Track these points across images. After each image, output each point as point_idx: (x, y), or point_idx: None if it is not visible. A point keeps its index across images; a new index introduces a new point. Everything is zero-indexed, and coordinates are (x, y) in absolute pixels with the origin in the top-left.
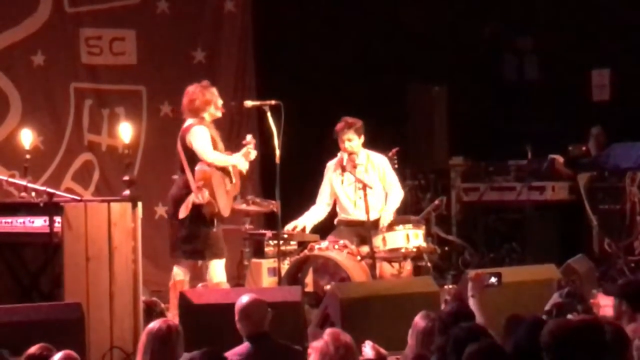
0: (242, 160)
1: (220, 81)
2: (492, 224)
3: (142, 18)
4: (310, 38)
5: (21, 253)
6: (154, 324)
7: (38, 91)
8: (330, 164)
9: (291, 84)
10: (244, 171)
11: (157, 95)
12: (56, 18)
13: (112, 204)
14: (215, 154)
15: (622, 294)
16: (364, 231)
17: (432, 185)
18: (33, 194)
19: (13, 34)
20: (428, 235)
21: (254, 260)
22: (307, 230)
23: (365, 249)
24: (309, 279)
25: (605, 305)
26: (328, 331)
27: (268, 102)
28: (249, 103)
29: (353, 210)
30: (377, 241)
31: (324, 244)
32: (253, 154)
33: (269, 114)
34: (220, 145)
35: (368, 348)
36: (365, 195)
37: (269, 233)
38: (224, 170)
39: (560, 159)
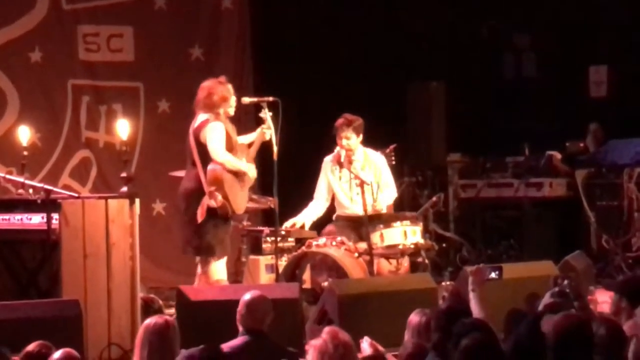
0: (252, 168)
1: None
2: (489, 220)
3: (140, 15)
4: (309, 35)
5: (19, 250)
6: (152, 320)
7: (35, 88)
8: (327, 159)
9: (289, 81)
10: (253, 178)
11: (154, 92)
12: (53, 15)
13: (110, 201)
14: (227, 155)
15: (622, 290)
16: (360, 227)
17: (430, 182)
18: (30, 190)
19: (10, 30)
20: (426, 231)
21: (252, 256)
22: (306, 227)
23: (362, 246)
24: (306, 276)
25: (603, 301)
26: (327, 330)
27: (266, 98)
28: (246, 100)
29: (350, 206)
30: (375, 238)
31: (322, 240)
32: (268, 133)
33: (266, 111)
34: (235, 139)
35: (366, 344)
36: (362, 191)
37: (266, 230)
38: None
39: (557, 155)
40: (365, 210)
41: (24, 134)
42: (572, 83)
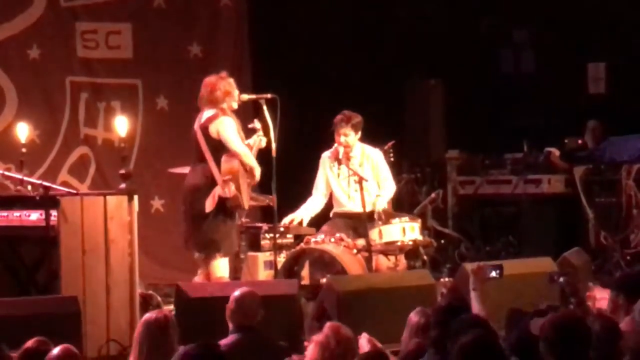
0: (259, 169)
1: None
2: (488, 217)
3: (138, 12)
4: (307, 32)
5: (17, 247)
6: (151, 314)
7: (34, 85)
8: (325, 155)
9: (287, 78)
10: (257, 179)
11: (153, 88)
12: (52, 12)
13: (108, 198)
14: (244, 147)
15: (619, 286)
16: (359, 224)
17: (429, 179)
18: (29, 187)
19: (8, 27)
20: (424, 228)
21: (250, 253)
22: (305, 223)
23: (361, 242)
24: (305, 272)
25: (601, 298)
26: (329, 325)
27: (264, 95)
28: (244, 96)
29: (347, 203)
30: (373, 234)
31: (320, 237)
32: (264, 141)
33: (265, 108)
34: (242, 134)
35: (364, 341)
36: (361, 188)
37: (265, 226)
38: (244, 163)
39: (556, 152)
40: (364, 206)
41: (23, 131)
42: (570, 80)
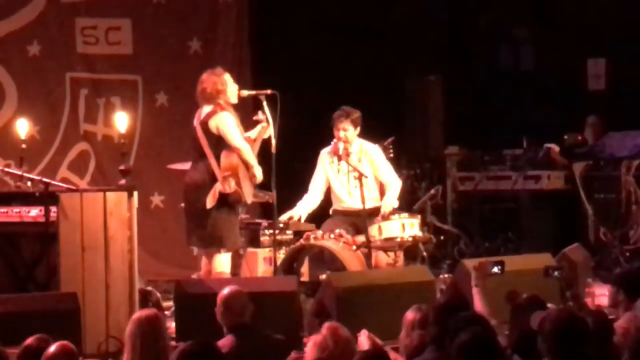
0: (259, 169)
1: None
2: (487, 213)
3: (138, 7)
4: (307, 28)
5: (17, 243)
6: (141, 312)
7: (34, 81)
8: (324, 152)
9: (287, 74)
10: (259, 179)
11: (153, 84)
12: (52, 8)
13: (108, 194)
14: (244, 142)
15: (619, 282)
16: (359, 220)
17: (428, 175)
18: (29, 183)
19: (8, 23)
20: (424, 224)
21: (250, 249)
22: (303, 220)
23: (360, 239)
24: (304, 269)
25: (601, 294)
26: (326, 325)
27: (264, 91)
28: (244, 92)
29: (348, 199)
30: (373, 230)
31: (320, 233)
32: (269, 131)
33: (264, 104)
34: (241, 129)
35: (363, 338)
36: (361, 184)
37: (264, 222)
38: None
39: (555, 148)
40: (363, 203)
41: (23, 127)
42: (570, 76)
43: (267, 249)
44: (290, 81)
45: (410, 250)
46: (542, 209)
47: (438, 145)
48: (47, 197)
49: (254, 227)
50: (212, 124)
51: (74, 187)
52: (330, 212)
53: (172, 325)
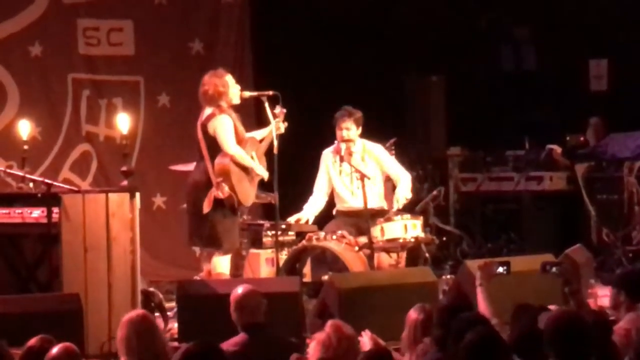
0: (261, 168)
1: None
2: (490, 214)
3: (140, 9)
4: (308, 29)
5: (19, 244)
6: (131, 315)
7: (36, 82)
8: (326, 153)
9: (289, 75)
10: (265, 177)
11: (154, 85)
12: (53, 9)
13: (110, 195)
14: (237, 148)
15: (620, 283)
16: (362, 221)
17: (430, 176)
18: (31, 184)
19: (10, 24)
20: (426, 225)
21: (252, 250)
22: (310, 222)
23: (363, 239)
24: (307, 270)
25: (603, 295)
26: (330, 323)
27: (266, 92)
28: (246, 94)
29: (350, 200)
30: (375, 231)
31: (322, 234)
32: (283, 127)
33: (267, 105)
34: (242, 129)
35: (366, 338)
36: (363, 185)
37: (267, 223)
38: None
39: (558, 149)
40: (365, 204)
41: (24, 128)
42: (572, 76)
43: (269, 250)
44: (292, 82)
45: (413, 251)
46: (544, 210)
47: (440, 146)
48: (49, 198)
49: (257, 228)
50: (210, 127)
51: (76, 188)
52: (334, 212)
53: (174, 326)
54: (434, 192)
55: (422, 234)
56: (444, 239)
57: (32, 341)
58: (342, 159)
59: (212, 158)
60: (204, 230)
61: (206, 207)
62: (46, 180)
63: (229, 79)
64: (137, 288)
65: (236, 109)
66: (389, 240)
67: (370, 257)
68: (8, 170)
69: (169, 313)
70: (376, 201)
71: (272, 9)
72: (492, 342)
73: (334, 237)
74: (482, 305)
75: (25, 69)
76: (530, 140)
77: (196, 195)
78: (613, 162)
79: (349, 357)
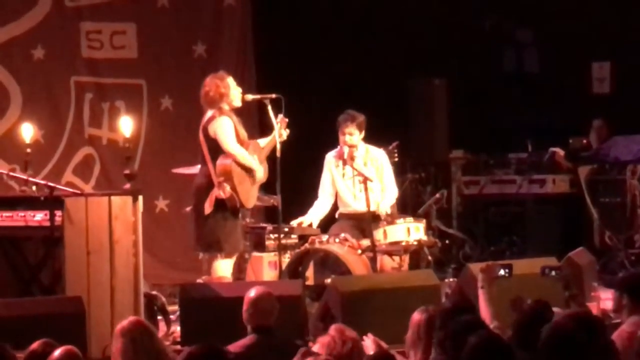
0: (260, 168)
1: None
2: (492, 217)
3: (143, 12)
4: (311, 32)
5: (22, 247)
6: (123, 323)
7: (38, 85)
8: (330, 155)
9: (292, 78)
10: (264, 178)
11: (157, 89)
12: (56, 12)
13: (113, 198)
14: (239, 148)
15: (623, 286)
16: (364, 224)
17: (433, 179)
18: (34, 187)
19: (13, 28)
20: (429, 228)
21: (255, 254)
22: (315, 226)
23: (365, 242)
24: (309, 273)
25: (606, 298)
26: (334, 326)
27: (269, 95)
28: (249, 97)
29: (353, 203)
30: (378, 234)
31: (325, 237)
32: (285, 134)
33: (269, 108)
34: (243, 132)
35: (369, 342)
36: (365, 188)
37: (269, 227)
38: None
39: (560, 151)
40: (368, 207)
41: (27, 131)
42: (575, 79)
43: (272, 253)
44: (294, 85)
45: (416, 254)
46: (547, 213)
47: (443, 149)
48: (52, 202)
49: (259, 231)
50: (211, 129)
51: (79, 192)
52: (336, 215)
53: (177, 329)
54: (437, 195)
55: (424, 237)
56: (447, 242)
57: (35, 345)
58: (344, 163)
59: (214, 160)
60: (204, 234)
61: (207, 208)
62: (49, 184)
63: (230, 81)
64: (139, 291)
65: (239, 112)
66: (391, 243)
67: (373, 260)
68: (11, 174)
69: (171, 316)
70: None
71: (275, 12)
72: (495, 344)
73: (337, 240)
74: (484, 308)
75: (28, 72)
76: (533, 143)
77: (198, 199)
78: (616, 165)
79: None
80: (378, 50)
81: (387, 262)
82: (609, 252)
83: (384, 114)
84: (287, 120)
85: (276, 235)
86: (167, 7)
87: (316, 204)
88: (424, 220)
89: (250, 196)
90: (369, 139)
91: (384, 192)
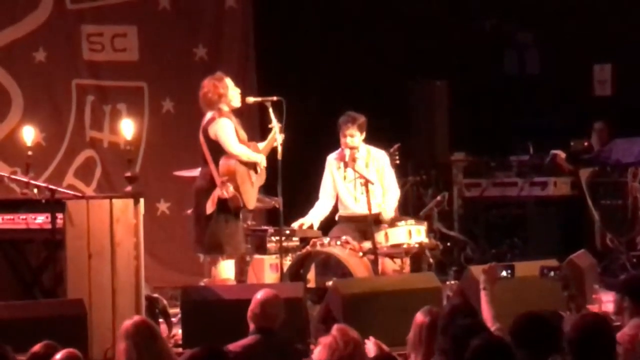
0: (263, 158)
1: None
2: (494, 219)
3: (144, 14)
4: (312, 34)
5: (23, 250)
6: (128, 323)
7: (40, 88)
8: (331, 157)
9: (292, 80)
10: (262, 180)
11: (158, 91)
12: (58, 14)
13: (114, 201)
14: (240, 147)
15: (624, 289)
16: (365, 226)
17: (434, 181)
18: (35, 190)
19: (15, 30)
20: (430, 231)
21: (256, 256)
22: (315, 228)
23: (367, 245)
24: (311, 275)
25: (607, 301)
26: (336, 327)
27: (270, 98)
28: (250, 99)
29: (354, 206)
30: (379, 237)
31: (326, 240)
32: (280, 138)
33: (270, 110)
34: (242, 133)
35: (370, 344)
36: (367, 190)
37: (271, 229)
38: (248, 163)
39: (562, 154)
40: (369, 209)
41: (29, 134)
42: (576, 81)
43: (273, 256)
44: (296, 87)
45: (417, 257)
46: (548, 215)
47: (444, 152)
48: (54, 204)
49: (260, 233)
50: (211, 130)
51: (80, 194)
52: (337, 217)
53: (178, 332)
54: (438, 198)
55: (426, 240)
56: (448, 244)
57: (36, 347)
58: (346, 165)
59: (216, 162)
60: (206, 236)
61: (209, 208)
62: (50, 186)
63: (229, 81)
64: (141, 294)
65: (239, 113)
66: (393, 246)
67: (374, 263)
68: (12, 176)
69: (173, 319)
70: (379, 206)
71: (275, 14)
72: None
73: (338, 242)
74: (486, 310)
75: (30, 74)
76: (534, 145)
77: (199, 201)
78: (617, 167)
79: None
80: (379, 52)
81: (389, 265)
82: (610, 254)
83: (385, 115)
84: (281, 125)
85: (277, 237)
86: (168, 9)
87: (317, 205)
88: (426, 223)
89: (252, 197)
90: (370, 141)
91: (386, 195)
